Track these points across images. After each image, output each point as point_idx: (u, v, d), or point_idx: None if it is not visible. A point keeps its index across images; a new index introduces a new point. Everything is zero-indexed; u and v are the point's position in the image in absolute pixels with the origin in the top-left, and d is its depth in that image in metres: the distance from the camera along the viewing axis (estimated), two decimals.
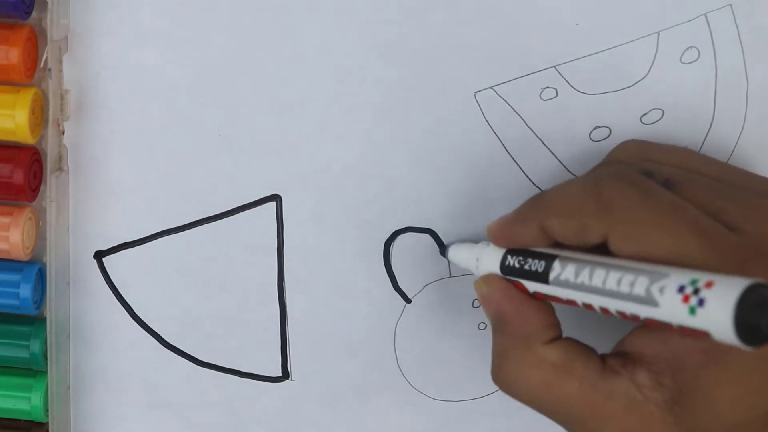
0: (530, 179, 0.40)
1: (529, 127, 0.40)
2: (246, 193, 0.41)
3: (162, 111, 0.40)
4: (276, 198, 0.41)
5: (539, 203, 0.35)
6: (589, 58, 0.39)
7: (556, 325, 0.35)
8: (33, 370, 0.41)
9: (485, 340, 0.42)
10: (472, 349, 0.42)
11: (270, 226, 0.41)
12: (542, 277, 0.34)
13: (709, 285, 0.28)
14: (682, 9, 0.39)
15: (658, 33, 0.39)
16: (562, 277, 0.33)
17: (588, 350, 0.34)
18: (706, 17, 0.39)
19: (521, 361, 0.34)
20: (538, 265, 0.34)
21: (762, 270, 0.30)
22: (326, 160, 0.40)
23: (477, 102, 0.40)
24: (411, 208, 0.41)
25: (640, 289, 0.30)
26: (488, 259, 0.37)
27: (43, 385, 0.40)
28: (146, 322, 0.42)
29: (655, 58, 0.39)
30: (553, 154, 0.40)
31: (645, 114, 0.40)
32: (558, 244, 0.34)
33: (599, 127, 0.40)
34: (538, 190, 0.40)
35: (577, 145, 0.40)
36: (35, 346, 0.40)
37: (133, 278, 0.41)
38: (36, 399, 0.40)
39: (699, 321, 0.28)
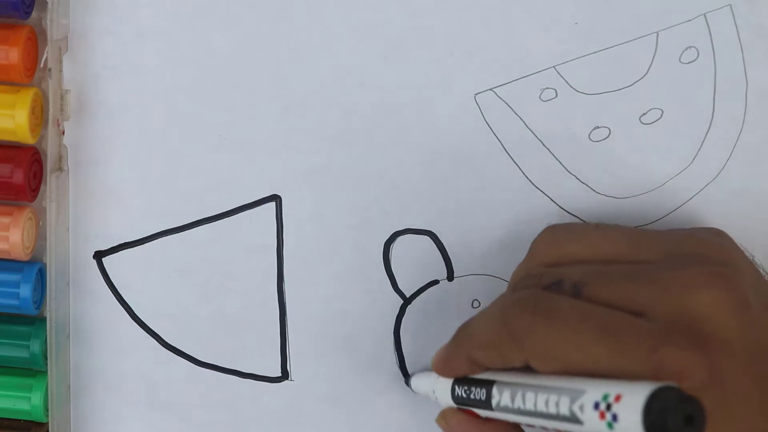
0: (530, 180, 0.40)
1: (529, 128, 0.40)
2: (246, 193, 0.41)
3: (162, 111, 0.40)
4: (276, 198, 0.41)
5: (463, 336, 0.36)
6: (588, 58, 0.39)
7: None
8: (33, 370, 0.41)
9: None
10: None
11: (270, 226, 0.41)
12: (487, 405, 0.35)
13: (617, 399, 0.28)
14: (681, 9, 0.39)
15: (658, 33, 0.39)
16: (502, 403, 0.34)
17: None
18: (705, 17, 0.39)
19: None
20: (480, 393, 0.35)
21: (674, 351, 0.30)
22: (326, 160, 0.40)
23: (477, 104, 0.40)
24: (411, 209, 0.41)
25: (564, 408, 0.30)
26: (441, 390, 0.38)
27: (43, 385, 0.40)
28: (146, 322, 0.42)
29: (654, 57, 0.39)
30: (553, 155, 0.40)
31: (644, 114, 0.40)
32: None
33: (599, 127, 0.40)
34: (538, 191, 0.40)
35: (576, 145, 0.40)
36: (35, 346, 0.40)
37: (133, 278, 0.41)
38: (36, 399, 0.40)
39: None
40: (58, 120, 0.39)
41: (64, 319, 0.41)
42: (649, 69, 0.39)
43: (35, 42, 0.38)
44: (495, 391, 0.34)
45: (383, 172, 0.41)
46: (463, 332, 0.36)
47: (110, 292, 0.42)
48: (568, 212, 0.41)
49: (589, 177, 0.40)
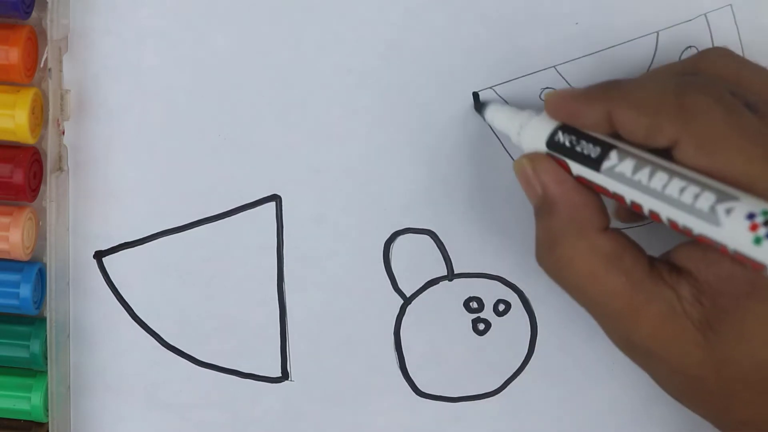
0: None
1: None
2: (246, 193, 0.41)
3: (162, 111, 0.40)
4: (276, 198, 0.41)
5: (613, 89, 0.33)
6: (588, 58, 0.39)
7: (607, 214, 0.34)
8: (33, 370, 0.41)
9: (484, 341, 0.42)
10: (472, 349, 0.42)
11: (270, 226, 0.41)
12: (593, 164, 0.32)
13: None
14: (681, 8, 0.39)
15: (658, 32, 0.39)
16: (618, 169, 0.31)
17: (638, 247, 0.33)
18: (705, 17, 0.39)
19: (573, 248, 0.33)
20: (592, 150, 0.32)
21: None
22: (326, 160, 0.40)
23: (477, 102, 0.40)
24: (411, 208, 0.41)
25: (703, 204, 0.29)
26: (534, 130, 0.35)
27: (43, 385, 0.40)
28: (146, 322, 0.42)
29: (654, 57, 0.39)
30: None
31: None
32: (615, 137, 0.33)
33: None
34: None
35: None
36: (35, 346, 0.40)
37: (133, 278, 0.41)
38: (36, 399, 0.40)
39: (761, 253, 0.27)
40: (58, 120, 0.39)
41: (64, 319, 0.41)
42: (649, 69, 0.39)
43: (35, 42, 0.38)
44: (614, 154, 0.32)
45: (383, 172, 0.41)
46: (613, 86, 0.33)
47: (110, 292, 0.42)
48: None
49: None
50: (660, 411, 0.42)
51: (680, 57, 0.39)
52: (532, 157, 0.34)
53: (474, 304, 0.42)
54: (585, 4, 0.39)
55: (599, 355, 0.42)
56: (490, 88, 0.40)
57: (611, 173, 0.32)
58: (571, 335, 0.42)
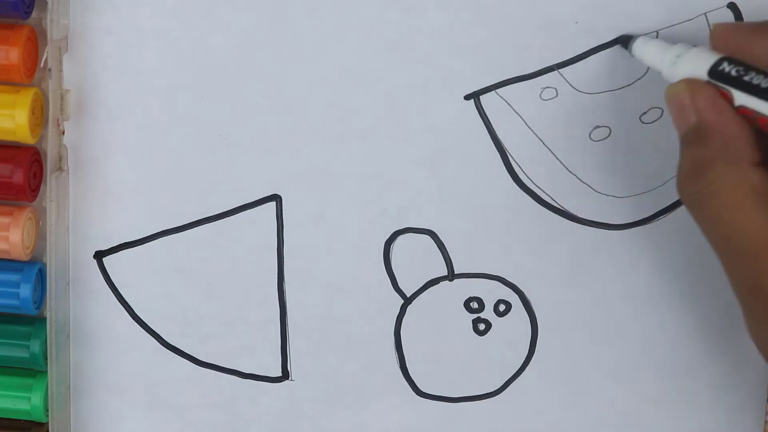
0: (531, 179, 0.40)
1: (529, 127, 0.40)
2: (246, 193, 0.41)
3: (162, 111, 0.40)
4: (276, 198, 0.41)
5: None
6: (588, 58, 0.39)
7: (763, 151, 0.32)
8: (33, 370, 0.41)
9: (485, 341, 0.42)
10: (472, 349, 0.42)
11: (270, 226, 0.41)
12: (764, 94, 0.31)
13: None
14: (681, 8, 0.39)
15: (658, 32, 0.39)
16: None
17: None
18: (705, 17, 0.39)
19: (723, 177, 0.32)
20: (763, 80, 0.32)
21: None
22: (326, 160, 0.40)
23: (477, 102, 0.40)
24: (411, 208, 0.41)
25: None
26: (694, 59, 0.34)
27: (43, 385, 0.40)
28: (146, 322, 0.42)
29: None
30: (553, 154, 0.40)
31: (644, 113, 0.40)
32: None
33: (599, 126, 0.40)
34: (538, 191, 0.40)
35: (577, 145, 0.40)
36: (35, 346, 0.40)
37: (133, 278, 0.41)
38: (36, 399, 0.40)
39: None
40: (58, 120, 0.39)
41: (64, 319, 0.41)
42: (649, 68, 0.39)
43: (35, 42, 0.38)
44: None
45: (383, 172, 0.41)
46: None
47: (110, 292, 0.42)
48: (569, 212, 0.41)
49: (589, 176, 0.40)
50: (660, 412, 0.42)
51: None
52: (692, 82, 0.33)
53: (474, 305, 0.42)
54: (585, 4, 0.39)
55: (599, 355, 0.42)
56: (491, 88, 0.40)
57: None
58: (571, 336, 0.42)
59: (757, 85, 0.32)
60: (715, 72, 0.33)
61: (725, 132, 0.32)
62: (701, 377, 0.42)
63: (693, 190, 0.33)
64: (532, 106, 0.40)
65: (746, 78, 0.32)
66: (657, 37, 0.39)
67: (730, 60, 0.33)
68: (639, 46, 0.37)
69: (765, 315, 0.33)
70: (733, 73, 0.33)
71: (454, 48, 0.39)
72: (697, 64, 0.34)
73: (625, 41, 0.38)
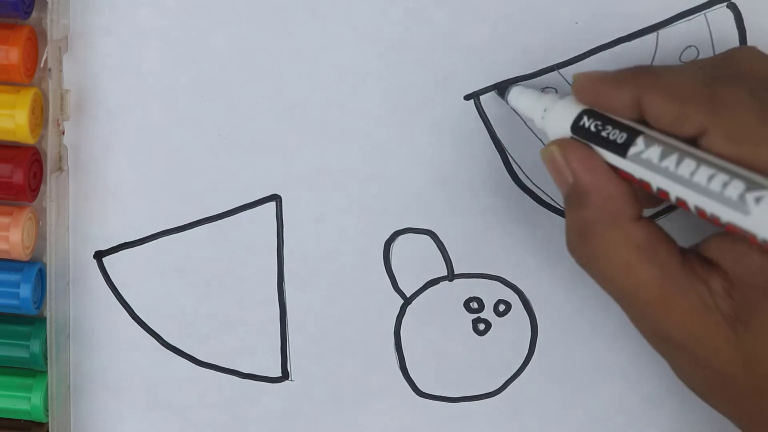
0: (531, 179, 0.40)
1: (529, 127, 0.40)
2: (246, 193, 0.41)
3: (162, 111, 0.40)
4: (276, 198, 0.41)
5: (643, 75, 0.32)
6: (588, 58, 0.39)
7: (639, 202, 0.33)
8: (33, 370, 0.41)
9: (485, 341, 0.42)
10: (472, 349, 0.42)
11: (270, 226, 0.41)
12: (620, 150, 0.31)
13: None
14: (681, 8, 0.39)
15: (658, 32, 0.39)
16: (644, 156, 0.31)
17: (670, 238, 0.33)
18: (705, 17, 0.39)
19: (607, 239, 0.32)
20: (618, 136, 0.32)
21: None
22: (326, 160, 0.40)
23: (477, 102, 0.40)
24: (411, 208, 0.41)
25: (732, 192, 0.29)
26: (559, 114, 0.34)
27: (43, 385, 0.40)
28: (146, 322, 0.42)
29: (654, 56, 0.39)
30: None
31: None
32: (642, 124, 0.32)
33: None
34: (538, 191, 0.40)
35: None
36: (35, 346, 0.40)
37: (133, 278, 0.41)
38: (36, 399, 0.40)
39: None
40: (58, 120, 0.39)
41: (64, 319, 0.41)
42: None
43: (35, 42, 0.38)
44: (641, 140, 0.31)
45: (383, 172, 0.41)
46: (643, 71, 0.33)
47: (110, 292, 0.42)
48: None
49: None
50: (660, 412, 0.42)
51: (680, 57, 0.39)
52: (562, 143, 0.34)
53: (474, 305, 0.42)
54: (585, 4, 0.39)
55: (599, 355, 0.42)
56: (491, 88, 0.40)
57: (638, 160, 0.31)
58: (571, 336, 0.42)
59: (614, 141, 0.32)
60: (576, 127, 0.33)
61: (602, 191, 0.32)
62: None
63: (582, 251, 0.33)
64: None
65: (603, 134, 0.32)
66: (657, 37, 0.39)
67: (591, 113, 0.33)
68: (513, 98, 0.37)
69: (677, 359, 0.33)
70: (592, 128, 0.33)
71: (454, 48, 0.39)
72: (562, 118, 0.34)
73: (501, 90, 0.38)
